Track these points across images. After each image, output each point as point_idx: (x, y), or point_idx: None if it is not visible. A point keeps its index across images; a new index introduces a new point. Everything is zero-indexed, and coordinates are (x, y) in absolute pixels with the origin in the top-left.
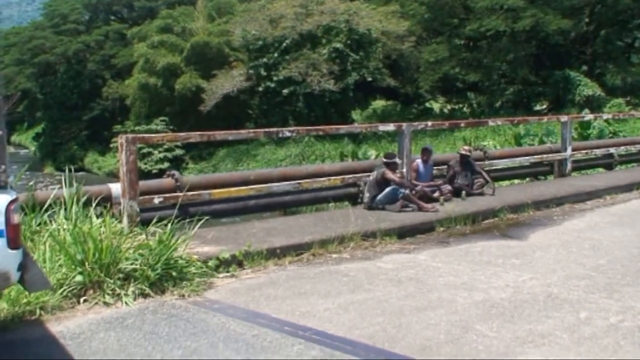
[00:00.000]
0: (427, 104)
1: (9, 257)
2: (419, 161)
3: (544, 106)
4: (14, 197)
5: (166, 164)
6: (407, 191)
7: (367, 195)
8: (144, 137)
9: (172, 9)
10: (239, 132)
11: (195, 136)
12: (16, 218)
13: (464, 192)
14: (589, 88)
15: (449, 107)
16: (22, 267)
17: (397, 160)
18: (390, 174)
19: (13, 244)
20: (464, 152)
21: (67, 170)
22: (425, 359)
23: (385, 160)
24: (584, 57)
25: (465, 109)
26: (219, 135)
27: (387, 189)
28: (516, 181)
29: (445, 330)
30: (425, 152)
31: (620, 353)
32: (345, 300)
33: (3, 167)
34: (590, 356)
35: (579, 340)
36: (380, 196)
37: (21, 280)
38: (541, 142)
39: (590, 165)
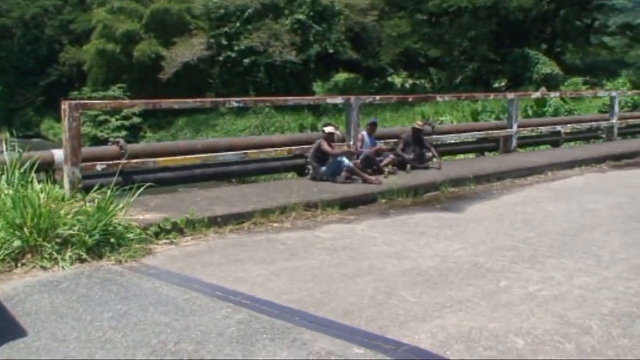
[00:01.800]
0: (389, 78)
1: None
2: (364, 133)
3: (503, 83)
4: None
5: (123, 132)
6: (351, 164)
7: (310, 166)
8: (87, 103)
9: None
10: (184, 101)
11: (140, 104)
12: None
13: (408, 165)
14: (547, 66)
15: (410, 81)
16: None
17: (332, 129)
18: (325, 145)
19: None
20: (417, 126)
21: (8, 135)
22: (345, 322)
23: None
24: (543, 36)
25: (426, 84)
26: (165, 103)
27: (330, 161)
28: (468, 156)
29: (370, 295)
30: (372, 126)
31: (532, 319)
32: (278, 268)
33: None
34: (503, 321)
35: (495, 307)
36: (324, 168)
37: None
38: (497, 118)
39: (537, 142)
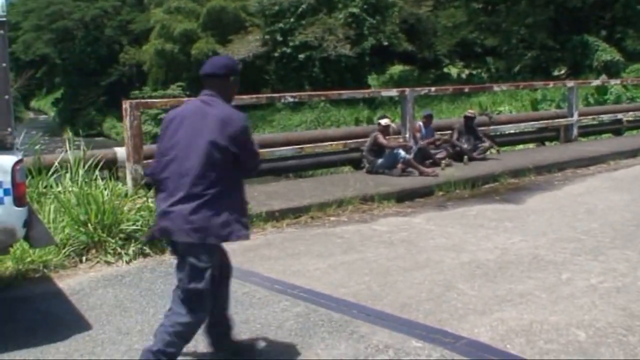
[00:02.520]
0: (445, 69)
1: (15, 214)
2: (420, 124)
3: (562, 72)
4: (20, 157)
5: None
6: (408, 156)
7: (366, 160)
8: (147, 102)
9: None
10: (241, 97)
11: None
12: (21, 177)
13: (466, 156)
14: (607, 53)
15: (466, 72)
16: (27, 224)
17: (387, 122)
18: (381, 138)
19: (19, 201)
20: (468, 115)
21: (69, 137)
22: (403, 315)
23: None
24: (603, 22)
25: (483, 74)
26: None
27: (387, 153)
28: (528, 146)
29: (427, 289)
30: (428, 118)
31: (594, 312)
32: (335, 261)
33: (9, 129)
34: (565, 315)
35: (556, 300)
36: (380, 160)
37: (26, 237)
38: (558, 107)
39: (598, 130)
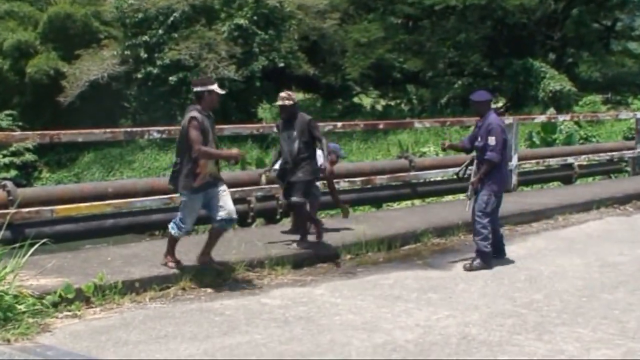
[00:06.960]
0: (356, 99)
1: None
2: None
3: (501, 104)
4: None
5: (12, 172)
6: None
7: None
8: None
9: None
10: (91, 131)
11: (34, 136)
12: None
13: None
14: (556, 81)
15: (382, 103)
16: None
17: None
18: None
19: None
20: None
21: None
22: None
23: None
24: (551, 43)
25: (403, 106)
26: (66, 135)
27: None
28: (458, 197)
29: None
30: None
31: None
32: (213, 345)
33: None
34: None
35: None
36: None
37: None
38: None
39: (544, 178)
